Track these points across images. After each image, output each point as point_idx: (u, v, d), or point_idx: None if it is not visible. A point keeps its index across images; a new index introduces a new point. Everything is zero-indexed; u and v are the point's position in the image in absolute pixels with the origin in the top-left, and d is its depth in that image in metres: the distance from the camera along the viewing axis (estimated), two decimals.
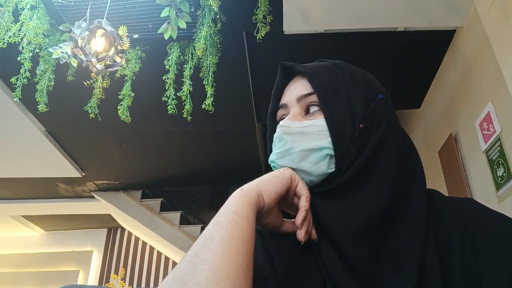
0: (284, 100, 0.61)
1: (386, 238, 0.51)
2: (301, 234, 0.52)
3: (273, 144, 0.60)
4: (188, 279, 0.39)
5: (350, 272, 0.50)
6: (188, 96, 2.51)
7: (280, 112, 0.62)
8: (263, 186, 0.52)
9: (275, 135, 0.59)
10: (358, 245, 0.51)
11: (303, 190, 0.54)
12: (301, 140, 0.55)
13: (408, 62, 2.93)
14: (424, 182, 0.56)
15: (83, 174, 4.50)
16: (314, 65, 0.62)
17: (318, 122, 0.56)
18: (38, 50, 2.46)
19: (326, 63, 0.63)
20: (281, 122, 0.58)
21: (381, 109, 0.57)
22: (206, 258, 0.41)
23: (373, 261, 0.50)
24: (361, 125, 0.55)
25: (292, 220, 0.56)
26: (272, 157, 0.59)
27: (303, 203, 0.53)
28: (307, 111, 0.58)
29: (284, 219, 0.56)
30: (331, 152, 0.54)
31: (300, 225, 0.52)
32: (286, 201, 0.56)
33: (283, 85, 0.64)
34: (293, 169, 0.56)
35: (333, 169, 0.54)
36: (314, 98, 0.57)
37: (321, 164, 0.54)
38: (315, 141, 0.55)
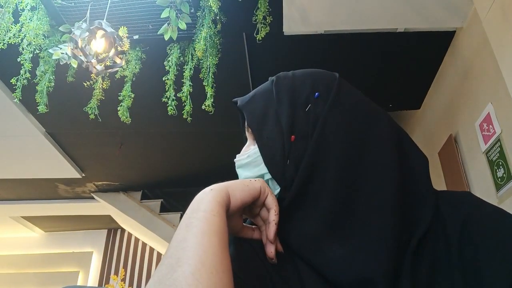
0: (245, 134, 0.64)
1: (343, 241, 0.50)
2: (272, 253, 0.51)
3: None
4: (166, 278, 0.40)
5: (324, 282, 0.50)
6: (188, 97, 2.51)
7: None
8: (231, 190, 0.51)
9: None
10: (316, 253, 0.51)
11: (272, 204, 0.53)
12: (247, 171, 0.58)
13: (408, 63, 2.93)
14: (394, 172, 0.52)
15: (83, 175, 4.49)
16: (249, 94, 0.63)
17: (255, 149, 0.57)
18: (38, 51, 2.46)
19: (263, 85, 0.63)
20: (236, 157, 0.61)
21: (317, 110, 0.55)
22: (181, 256, 0.41)
23: (346, 274, 0.49)
24: (291, 137, 0.53)
25: (253, 226, 0.57)
26: None
27: (273, 217, 0.52)
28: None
29: (244, 224, 0.56)
30: (269, 175, 0.55)
31: (273, 240, 0.52)
32: (252, 211, 0.55)
33: (243, 119, 0.65)
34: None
35: (279, 189, 0.55)
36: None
37: None
38: (255, 169, 0.57)
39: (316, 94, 0.56)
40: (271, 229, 0.52)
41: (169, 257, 0.42)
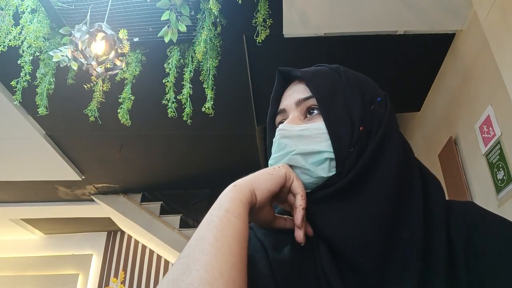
0: (283, 105, 0.61)
1: (389, 241, 0.51)
2: (300, 236, 0.51)
3: (272, 148, 0.59)
4: (181, 280, 0.39)
5: (350, 278, 0.50)
6: (188, 99, 2.51)
7: (279, 118, 0.62)
8: (256, 183, 0.51)
9: (274, 139, 0.58)
10: (361, 249, 0.50)
11: (298, 188, 0.53)
12: (301, 144, 0.55)
13: (408, 65, 2.93)
14: (420, 183, 0.56)
15: (83, 177, 4.49)
16: (311, 69, 0.62)
17: (317, 125, 0.55)
18: (38, 53, 2.46)
19: (323, 68, 0.63)
20: (280, 126, 0.58)
21: (380, 112, 0.57)
22: (199, 258, 0.41)
23: (377, 265, 0.50)
24: (360, 128, 0.54)
25: (285, 216, 0.56)
26: (271, 162, 0.58)
27: (299, 201, 0.52)
28: (305, 115, 0.58)
29: (276, 214, 0.56)
30: (331, 155, 0.54)
31: (301, 225, 0.51)
32: (279, 197, 0.55)
33: (281, 90, 0.64)
34: (292, 166, 0.55)
35: (334, 173, 0.53)
36: (312, 101, 0.57)
37: (321, 167, 0.54)
38: (314, 144, 0.54)
39: (379, 98, 0.58)
40: (298, 214, 0.52)
41: (187, 256, 0.42)
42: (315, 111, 0.57)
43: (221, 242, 0.43)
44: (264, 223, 0.55)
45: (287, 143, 0.56)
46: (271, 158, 0.59)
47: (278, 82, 0.64)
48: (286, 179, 0.53)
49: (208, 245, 0.42)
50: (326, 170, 0.54)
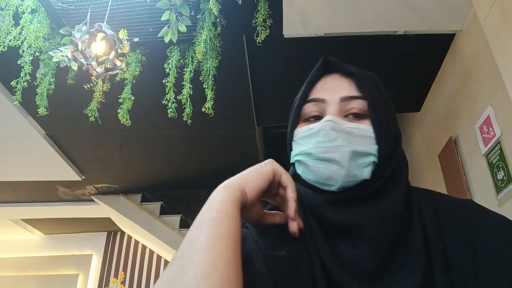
0: (322, 95, 0.58)
1: (396, 240, 0.52)
2: (294, 227, 0.52)
3: (307, 137, 0.57)
4: (176, 280, 0.39)
5: (349, 272, 0.51)
6: (188, 99, 2.51)
7: (311, 106, 0.58)
8: (245, 182, 0.51)
9: (319, 127, 0.55)
10: (374, 246, 0.51)
11: (287, 181, 0.54)
12: (352, 142, 0.54)
13: (407, 65, 2.93)
14: (414, 192, 0.60)
15: (83, 177, 4.49)
16: (358, 69, 0.61)
17: (366, 127, 0.55)
18: (38, 54, 2.46)
19: (364, 72, 0.63)
20: (328, 117, 0.55)
21: (398, 128, 0.61)
22: (193, 257, 0.41)
23: (381, 262, 0.51)
24: (395, 138, 0.58)
25: (274, 212, 0.57)
26: (312, 150, 0.55)
27: (291, 194, 0.53)
28: (346, 114, 0.57)
29: (265, 211, 0.56)
30: (375, 160, 0.54)
31: (294, 217, 0.52)
32: (270, 192, 0.55)
33: (317, 78, 0.61)
34: (330, 161, 0.54)
35: (370, 177, 0.54)
36: (360, 103, 0.56)
37: (366, 170, 0.54)
38: (364, 145, 0.54)
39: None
40: (291, 206, 0.52)
41: (181, 257, 0.42)
42: (359, 112, 0.56)
43: (214, 240, 0.43)
44: (255, 220, 0.55)
45: (336, 136, 0.54)
46: (309, 146, 0.55)
47: (318, 70, 0.62)
48: (274, 175, 0.54)
49: (201, 245, 0.42)
50: (368, 173, 0.54)
